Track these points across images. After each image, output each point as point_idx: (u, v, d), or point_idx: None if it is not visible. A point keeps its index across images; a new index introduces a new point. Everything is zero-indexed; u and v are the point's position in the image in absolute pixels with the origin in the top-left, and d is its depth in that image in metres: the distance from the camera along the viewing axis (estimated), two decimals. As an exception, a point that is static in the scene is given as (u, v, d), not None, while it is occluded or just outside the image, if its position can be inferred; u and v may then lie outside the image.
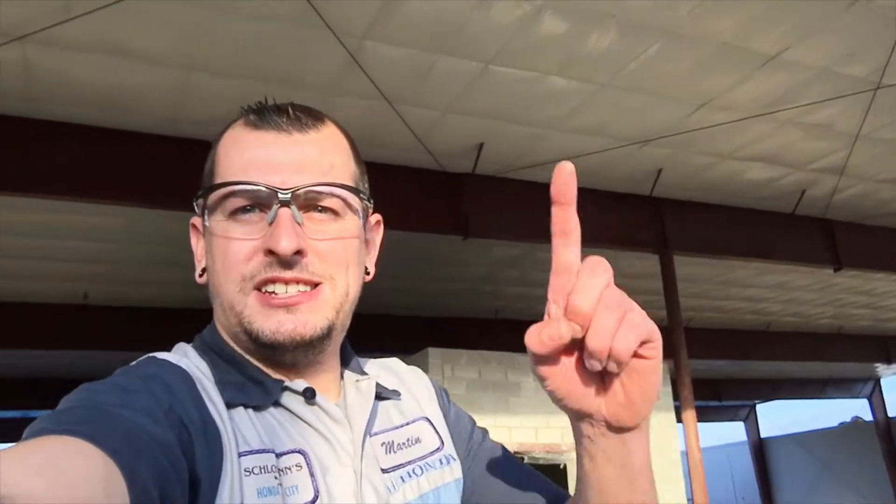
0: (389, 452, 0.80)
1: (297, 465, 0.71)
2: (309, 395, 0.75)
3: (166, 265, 6.94)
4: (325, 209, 0.76)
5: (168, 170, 4.84)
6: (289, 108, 0.78)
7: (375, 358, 0.94)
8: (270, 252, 0.72)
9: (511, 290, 8.95)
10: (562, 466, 7.33)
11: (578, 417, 0.63)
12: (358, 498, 0.73)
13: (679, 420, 6.87)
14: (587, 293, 0.55)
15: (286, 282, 0.73)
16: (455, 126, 5.32)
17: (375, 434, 0.80)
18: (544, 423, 7.22)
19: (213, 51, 4.25)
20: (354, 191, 0.78)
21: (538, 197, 6.26)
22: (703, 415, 17.25)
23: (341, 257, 0.76)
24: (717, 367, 14.05)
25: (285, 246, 0.71)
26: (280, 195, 0.72)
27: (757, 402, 19.21)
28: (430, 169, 5.82)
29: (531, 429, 7.13)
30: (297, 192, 0.73)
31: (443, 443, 0.86)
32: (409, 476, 0.79)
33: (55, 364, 9.78)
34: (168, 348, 0.79)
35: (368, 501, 0.74)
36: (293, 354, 0.75)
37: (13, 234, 6.36)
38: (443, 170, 5.85)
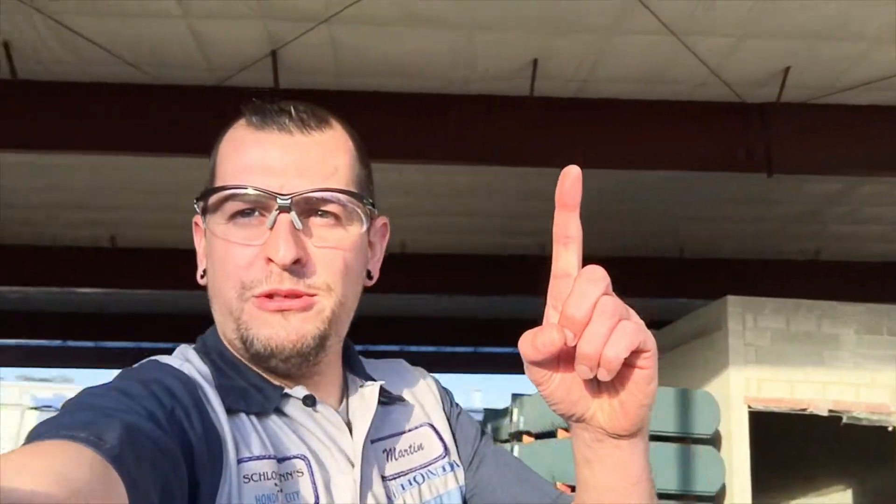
0: (391, 459, 0.80)
1: (298, 472, 0.72)
2: (309, 402, 0.76)
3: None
4: (326, 213, 0.75)
5: (447, 126, 5.06)
6: (291, 107, 0.76)
7: (390, 358, 0.94)
8: (270, 259, 0.72)
9: (834, 229, 7.98)
10: (890, 429, 6.45)
11: (574, 422, 0.63)
12: None
13: None
14: (582, 300, 0.55)
15: (284, 295, 0.72)
16: (754, 52, 4.79)
17: (377, 441, 0.80)
18: (868, 381, 6.35)
19: (494, 7, 4.31)
20: (357, 196, 0.76)
21: (859, 124, 5.44)
22: None
23: (340, 266, 0.75)
24: None
25: (283, 255, 0.70)
26: (279, 201, 0.71)
27: None
28: (727, 101, 5.35)
29: (851, 386, 6.33)
30: (297, 197, 0.72)
31: (446, 449, 0.85)
32: (411, 484, 0.79)
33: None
34: None
35: None
36: (286, 364, 0.74)
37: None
38: (741, 101, 5.33)
